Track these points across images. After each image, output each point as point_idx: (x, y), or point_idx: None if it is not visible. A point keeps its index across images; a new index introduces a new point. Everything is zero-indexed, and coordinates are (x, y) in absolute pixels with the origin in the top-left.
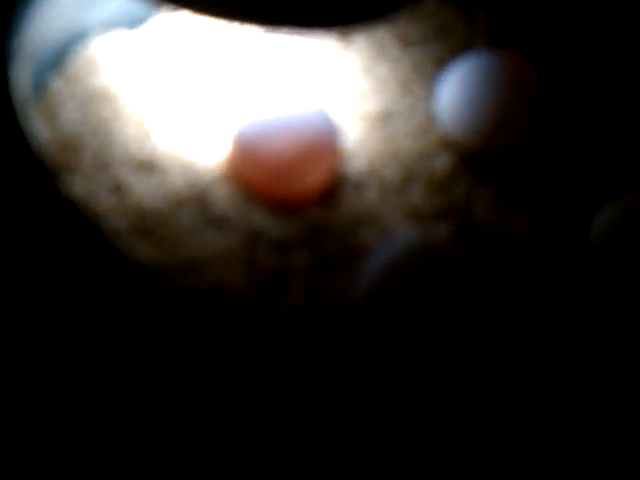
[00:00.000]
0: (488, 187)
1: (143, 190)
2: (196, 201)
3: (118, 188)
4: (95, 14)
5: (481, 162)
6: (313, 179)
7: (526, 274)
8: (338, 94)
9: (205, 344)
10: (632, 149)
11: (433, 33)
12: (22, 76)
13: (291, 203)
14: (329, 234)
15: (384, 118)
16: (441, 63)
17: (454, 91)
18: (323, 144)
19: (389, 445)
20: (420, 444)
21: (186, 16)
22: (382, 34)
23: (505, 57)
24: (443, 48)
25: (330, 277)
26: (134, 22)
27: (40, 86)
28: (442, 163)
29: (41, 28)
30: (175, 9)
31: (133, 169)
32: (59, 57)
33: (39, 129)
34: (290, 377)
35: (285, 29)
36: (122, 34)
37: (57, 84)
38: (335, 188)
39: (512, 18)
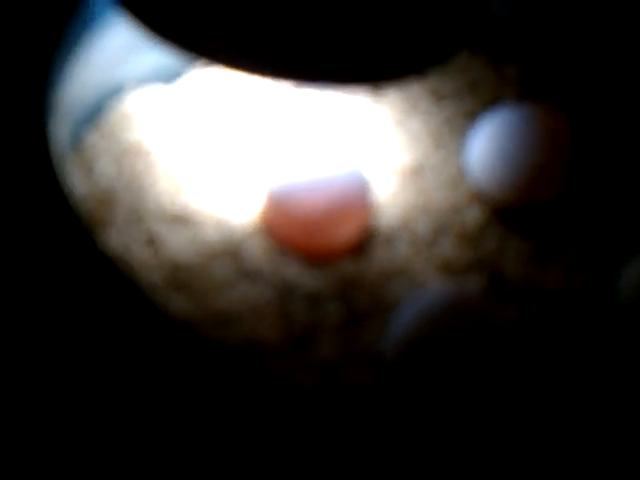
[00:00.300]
0: (519, 240)
1: (177, 243)
2: (229, 254)
3: (152, 241)
4: (130, 69)
5: (512, 215)
6: (345, 233)
7: (556, 328)
8: (370, 148)
9: (237, 396)
10: None
11: (465, 87)
12: (59, 131)
13: (323, 256)
14: (361, 287)
15: (416, 171)
16: (472, 116)
17: (485, 144)
18: (354, 198)
19: None
20: None
21: (220, 72)
22: (414, 88)
23: (536, 109)
24: (474, 102)
25: (361, 330)
26: (169, 77)
27: (76, 140)
28: (473, 216)
29: (78, 83)
30: (209, 64)
31: (167, 222)
32: (95, 112)
33: (75, 183)
34: (320, 430)
35: (318, 84)
36: (156, 89)
37: (92, 139)
38: (367, 241)
39: (542, 71)
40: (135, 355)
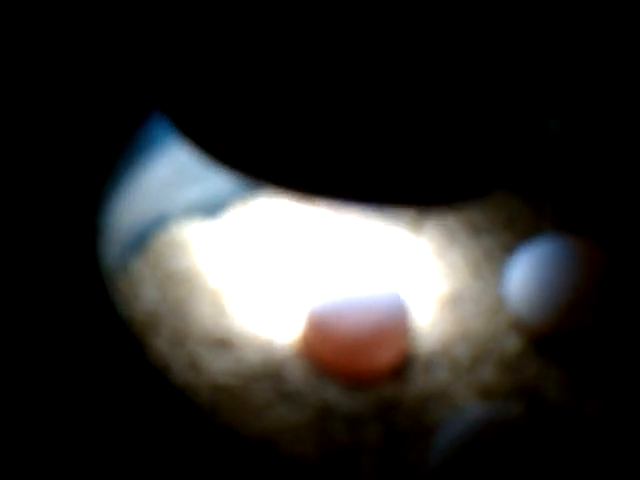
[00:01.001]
0: (558, 367)
1: (218, 366)
2: (269, 376)
3: (194, 364)
4: (177, 199)
5: (550, 343)
6: (383, 357)
7: (595, 455)
8: (410, 276)
9: None
10: None
11: (502, 222)
12: (108, 254)
13: (362, 379)
14: (400, 410)
15: (455, 300)
16: (510, 249)
17: (524, 274)
18: (394, 323)
19: None
20: None
21: (264, 204)
22: (452, 222)
23: (573, 240)
24: (512, 236)
25: (401, 451)
26: (214, 208)
27: (122, 266)
28: (512, 344)
29: (126, 209)
30: (261, 188)
31: (209, 345)
32: (141, 238)
33: (121, 307)
34: None
35: (360, 207)
36: (201, 219)
37: (138, 264)
38: (406, 366)
39: (578, 206)
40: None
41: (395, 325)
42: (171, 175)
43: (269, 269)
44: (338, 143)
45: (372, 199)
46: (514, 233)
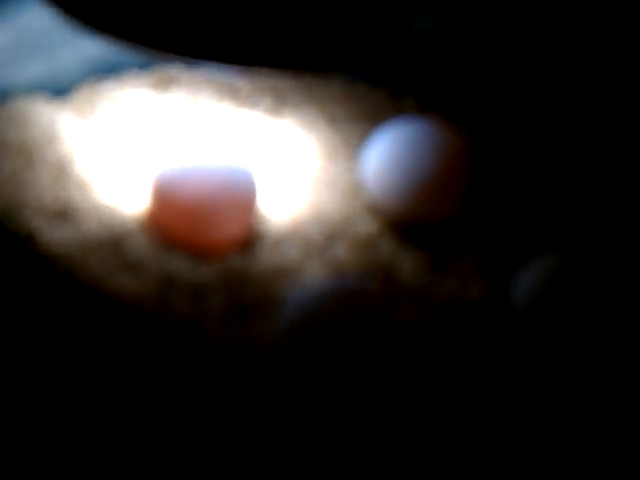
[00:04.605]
0: (414, 250)
1: (56, 238)
2: (111, 247)
3: (30, 236)
4: (20, 74)
5: (407, 228)
6: (229, 229)
7: (449, 335)
8: (264, 158)
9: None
10: (553, 209)
11: (361, 113)
12: None
13: (207, 251)
14: (247, 282)
15: (308, 184)
16: (368, 137)
17: (380, 156)
18: (241, 196)
19: None
20: None
21: (112, 87)
22: (310, 111)
23: (434, 123)
24: (371, 126)
25: (247, 322)
26: (60, 87)
27: None
28: (367, 226)
29: None
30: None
31: (47, 217)
32: None
33: None
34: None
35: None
36: (45, 98)
37: None
38: (255, 243)
39: (442, 102)
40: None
41: (242, 198)
42: (14, 45)
43: (114, 146)
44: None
45: (237, 61)
46: (373, 124)
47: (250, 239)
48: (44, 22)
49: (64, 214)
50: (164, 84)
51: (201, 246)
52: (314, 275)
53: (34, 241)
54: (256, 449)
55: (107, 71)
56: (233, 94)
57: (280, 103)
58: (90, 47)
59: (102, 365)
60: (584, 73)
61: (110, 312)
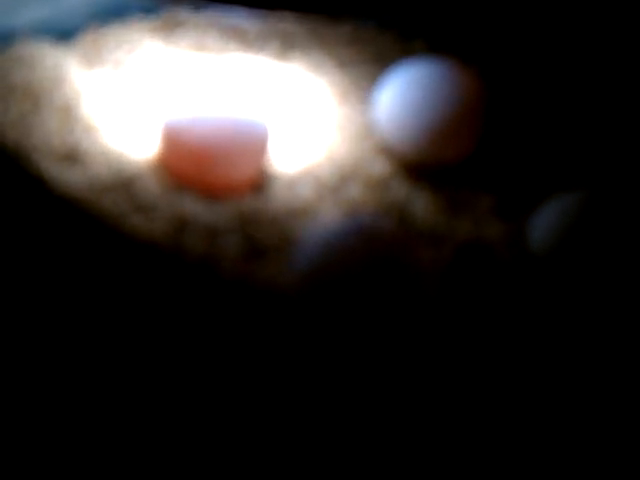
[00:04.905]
0: (429, 191)
1: (65, 180)
2: (123, 189)
3: (40, 178)
4: (24, 15)
5: (421, 171)
6: (241, 170)
7: (465, 278)
8: (273, 102)
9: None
10: (571, 146)
11: (370, 56)
12: None
13: (220, 192)
14: (261, 223)
15: (319, 126)
16: (378, 79)
17: (392, 96)
18: (252, 138)
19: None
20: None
21: (119, 31)
22: (318, 54)
23: (448, 63)
24: (380, 69)
25: (263, 263)
26: (62, 31)
27: None
28: (380, 167)
29: None
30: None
31: (56, 160)
32: None
33: None
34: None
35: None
36: (49, 40)
37: None
38: (267, 184)
39: (453, 43)
40: None
41: (252, 140)
42: None
43: (121, 90)
44: None
45: (245, 3)
46: (383, 66)
47: (262, 181)
48: None
49: (73, 157)
50: (170, 28)
51: (213, 188)
52: (329, 215)
53: (44, 183)
54: (270, 392)
55: (112, 14)
56: (240, 38)
57: (288, 46)
58: None
59: (116, 306)
60: (600, 10)
61: (124, 251)
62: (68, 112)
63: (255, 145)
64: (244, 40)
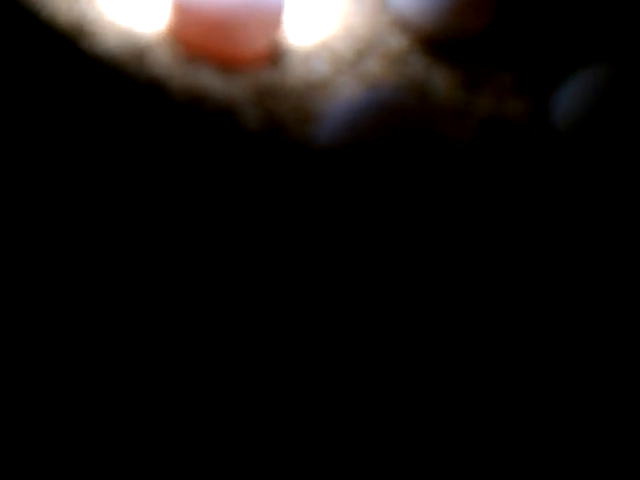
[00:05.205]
0: (447, 67)
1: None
2: (135, 62)
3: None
4: None
5: (439, 45)
6: (256, 38)
7: (488, 153)
8: None
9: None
10: (596, 16)
11: None
12: None
13: (236, 62)
14: (280, 97)
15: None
16: None
17: None
18: (265, 4)
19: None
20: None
21: None
22: None
23: None
24: None
25: (285, 135)
26: None
27: None
28: (397, 42)
29: None
30: None
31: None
32: None
33: None
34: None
35: None
36: None
37: None
38: (284, 57)
39: None
40: None
41: (267, 8)
42: None
43: None
44: None
45: None
46: None
47: (278, 54)
48: None
49: (79, 31)
50: None
51: (227, 59)
52: (348, 90)
53: (53, 56)
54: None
55: None
56: None
57: None
58: None
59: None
60: None
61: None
62: None
63: (270, 13)
64: None
